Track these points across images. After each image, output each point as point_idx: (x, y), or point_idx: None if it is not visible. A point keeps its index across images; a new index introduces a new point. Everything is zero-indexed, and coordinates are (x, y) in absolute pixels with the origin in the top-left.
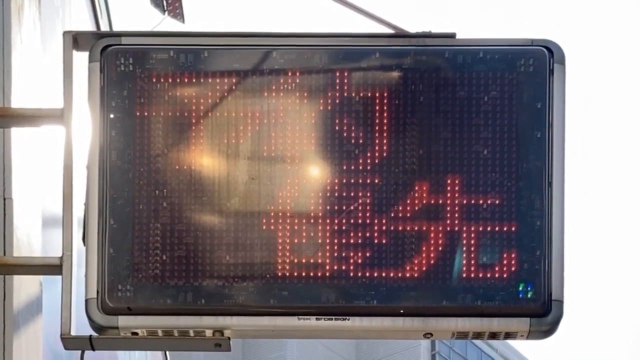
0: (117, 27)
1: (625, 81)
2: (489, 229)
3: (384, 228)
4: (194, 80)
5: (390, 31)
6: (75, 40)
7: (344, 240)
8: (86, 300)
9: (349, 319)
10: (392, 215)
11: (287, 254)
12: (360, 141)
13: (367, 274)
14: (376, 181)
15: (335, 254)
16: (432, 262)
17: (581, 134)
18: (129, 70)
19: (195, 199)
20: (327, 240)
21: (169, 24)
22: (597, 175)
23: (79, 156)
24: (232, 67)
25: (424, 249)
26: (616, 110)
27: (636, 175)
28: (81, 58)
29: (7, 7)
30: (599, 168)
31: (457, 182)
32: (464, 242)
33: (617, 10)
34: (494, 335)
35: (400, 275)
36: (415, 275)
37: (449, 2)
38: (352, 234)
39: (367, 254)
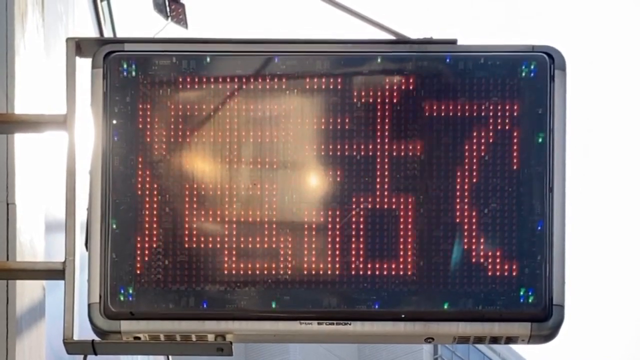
0: (120, 33)
1: (627, 86)
2: (490, 234)
3: (385, 233)
4: (196, 87)
5: (391, 37)
6: (78, 46)
7: (345, 245)
8: (89, 305)
9: (350, 324)
10: (394, 220)
11: (289, 259)
12: (362, 147)
13: (369, 279)
14: (378, 187)
15: (337, 259)
16: (433, 266)
17: (582, 140)
18: (132, 77)
19: (197, 204)
20: (329, 245)
21: (172, 30)
22: (598, 181)
23: (81, 162)
24: (234, 73)
25: (425, 254)
26: (617, 116)
27: (637, 179)
28: (84, 64)
29: (10, 13)
30: (600, 173)
31: (458, 187)
32: (465, 247)
33: (620, 15)
34: (495, 340)
35: (401, 280)
36: (417, 279)
37: (451, 8)
38: (353, 239)
39: (369, 259)
